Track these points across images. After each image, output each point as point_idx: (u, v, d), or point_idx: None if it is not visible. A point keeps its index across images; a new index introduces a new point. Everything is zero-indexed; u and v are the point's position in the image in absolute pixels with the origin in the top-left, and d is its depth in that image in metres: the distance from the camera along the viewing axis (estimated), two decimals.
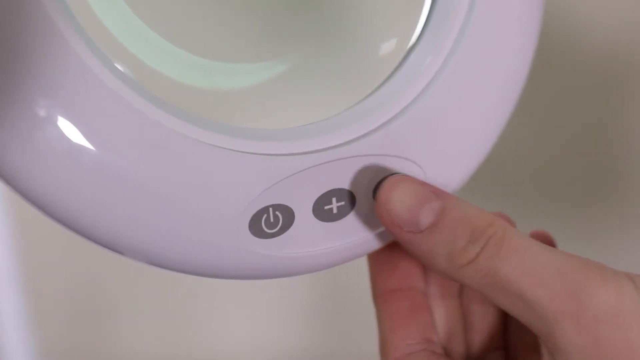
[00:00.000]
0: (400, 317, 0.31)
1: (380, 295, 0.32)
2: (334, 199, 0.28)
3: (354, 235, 0.29)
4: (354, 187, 0.28)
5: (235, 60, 0.29)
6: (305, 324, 0.62)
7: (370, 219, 0.29)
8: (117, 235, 0.26)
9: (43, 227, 0.58)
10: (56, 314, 0.63)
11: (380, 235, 0.29)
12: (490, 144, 0.30)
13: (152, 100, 0.26)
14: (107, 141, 0.25)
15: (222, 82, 0.29)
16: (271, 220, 0.27)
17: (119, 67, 0.26)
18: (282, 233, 0.28)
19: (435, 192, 0.27)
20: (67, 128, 0.24)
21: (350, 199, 0.28)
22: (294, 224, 0.28)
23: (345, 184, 0.28)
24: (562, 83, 0.51)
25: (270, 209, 0.27)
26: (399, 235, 0.27)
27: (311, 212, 0.28)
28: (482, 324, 0.33)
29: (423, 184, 0.28)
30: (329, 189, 0.28)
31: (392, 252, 0.31)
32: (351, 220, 0.29)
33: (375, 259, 0.32)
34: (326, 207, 0.28)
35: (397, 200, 0.27)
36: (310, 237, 0.28)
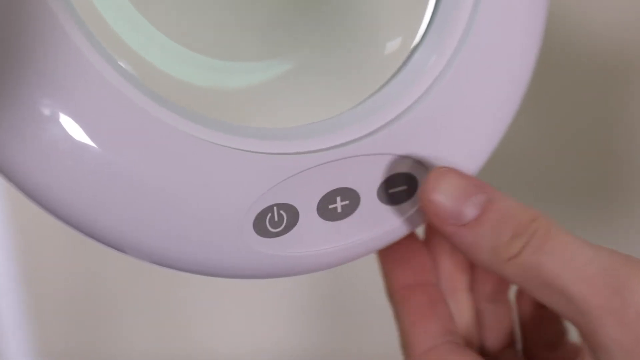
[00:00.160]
0: (420, 312, 0.31)
1: (396, 292, 0.31)
2: (338, 198, 0.28)
3: (358, 234, 0.29)
4: (359, 186, 0.28)
5: (239, 58, 0.29)
6: (305, 324, 0.62)
7: (375, 218, 0.29)
8: (121, 234, 0.26)
9: (43, 227, 0.58)
10: (56, 314, 0.63)
11: (384, 234, 0.29)
12: (494, 143, 0.30)
13: (155, 99, 0.26)
14: (110, 139, 0.25)
15: (226, 80, 0.29)
16: (275, 220, 0.27)
17: (122, 65, 0.26)
18: (287, 232, 0.28)
19: (479, 186, 0.27)
20: (69, 125, 0.24)
21: (355, 197, 0.28)
22: (298, 223, 0.28)
23: (349, 182, 0.28)
24: (564, 83, 0.51)
25: (275, 208, 0.27)
26: (442, 228, 0.27)
27: (315, 211, 0.28)
28: (494, 322, 0.33)
29: (468, 177, 0.28)
30: (334, 187, 0.28)
31: (404, 248, 0.32)
32: (356, 219, 0.29)
33: (387, 256, 0.32)
34: (330, 206, 0.28)
35: (441, 192, 0.27)
36: (314, 236, 0.28)
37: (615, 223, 0.54)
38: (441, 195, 0.27)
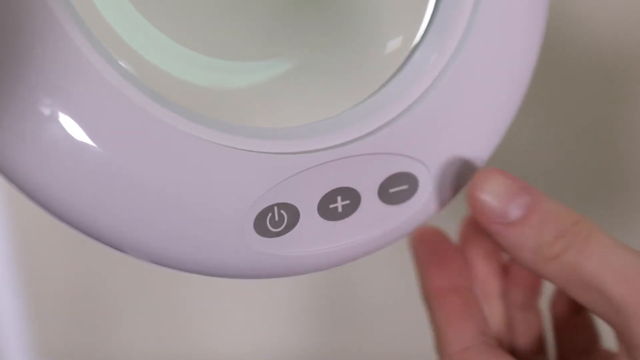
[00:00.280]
0: (456, 312, 0.31)
1: (431, 292, 0.32)
2: (339, 198, 0.28)
3: (359, 234, 0.29)
4: (359, 186, 0.28)
5: (240, 58, 0.29)
6: (305, 324, 0.62)
7: (376, 218, 0.29)
8: (121, 234, 0.26)
9: (43, 227, 0.58)
10: (56, 314, 0.63)
11: (385, 234, 0.29)
12: (495, 143, 0.30)
13: (155, 98, 0.26)
14: (110, 139, 0.25)
15: (226, 80, 0.29)
16: (276, 219, 0.27)
17: (122, 64, 0.26)
18: (287, 232, 0.28)
19: (524, 187, 0.28)
20: (69, 125, 0.24)
21: (355, 197, 0.28)
22: (299, 223, 0.28)
23: (350, 182, 0.28)
24: (564, 82, 0.51)
25: (275, 208, 0.27)
26: (487, 225, 0.28)
27: (316, 211, 0.28)
28: (525, 328, 0.34)
29: (514, 178, 0.28)
30: (334, 187, 0.28)
31: (440, 252, 0.33)
32: (356, 218, 0.29)
33: (423, 258, 0.33)
34: (331, 206, 0.28)
35: (488, 191, 0.28)
36: (315, 236, 0.28)
37: (617, 222, 0.54)
38: (488, 195, 0.28)
